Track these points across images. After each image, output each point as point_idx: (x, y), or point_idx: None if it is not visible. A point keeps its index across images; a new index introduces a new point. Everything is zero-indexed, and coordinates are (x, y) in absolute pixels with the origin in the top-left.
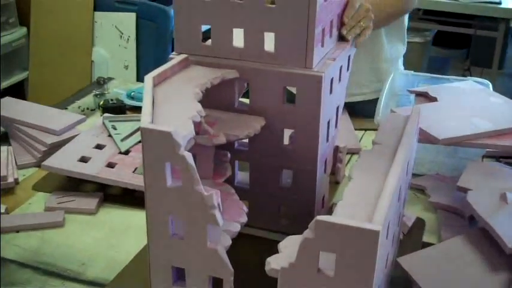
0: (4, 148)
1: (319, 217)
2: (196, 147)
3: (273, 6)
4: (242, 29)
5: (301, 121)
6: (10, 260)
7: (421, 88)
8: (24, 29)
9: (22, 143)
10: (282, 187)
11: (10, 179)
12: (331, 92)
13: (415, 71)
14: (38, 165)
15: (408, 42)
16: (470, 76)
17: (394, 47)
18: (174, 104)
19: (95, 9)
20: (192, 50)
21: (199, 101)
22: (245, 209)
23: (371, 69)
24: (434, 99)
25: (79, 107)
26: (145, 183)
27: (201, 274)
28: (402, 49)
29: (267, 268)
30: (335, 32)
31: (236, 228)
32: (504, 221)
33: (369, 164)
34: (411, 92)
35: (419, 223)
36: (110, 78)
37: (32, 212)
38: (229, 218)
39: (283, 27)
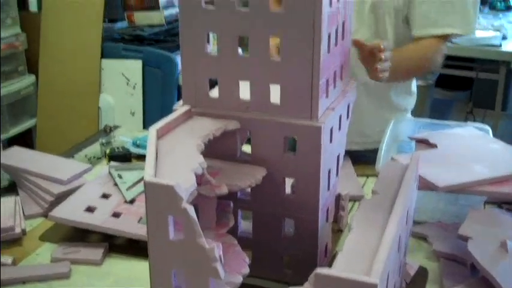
0: (12, 198)
1: (319, 270)
2: (199, 198)
3: (278, 59)
4: (248, 82)
5: (302, 170)
6: None
7: (421, 135)
8: (32, 77)
9: (30, 193)
10: (284, 236)
11: (17, 230)
12: (331, 141)
13: (418, 115)
14: (45, 215)
15: None
16: (474, 118)
17: (401, 97)
18: (177, 156)
19: (102, 56)
20: (199, 102)
21: (202, 152)
22: (247, 260)
23: (376, 119)
24: (434, 146)
25: (86, 156)
26: (149, 235)
27: None
28: (411, 100)
29: None
30: (339, 82)
31: (238, 280)
32: (505, 270)
33: (368, 215)
34: (412, 139)
35: (422, 272)
36: (116, 127)
37: (39, 262)
38: (232, 269)
39: (289, 79)
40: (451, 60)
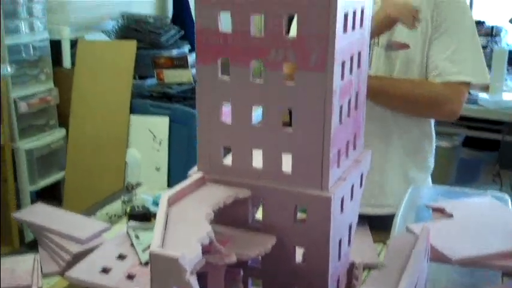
0: (31, 256)
1: None
2: (208, 266)
3: (290, 128)
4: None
5: (311, 240)
6: None
7: (438, 204)
8: (63, 131)
9: (49, 251)
10: None
11: None
12: (342, 211)
13: (444, 175)
14: (62, 273)
15: (436, 146)
16: (500, 181)
17: (419, 168)
18: (186, 225)
19: (131, 112)
20: (213, 169)
21: (211, 220)
22: None
23: (396, 182)
24: (450, 215)
25: (107, 214)
26: None
27: None
28: (430, 159)
29: None
30: (352, 152)
31: None
32: None
33: None
34: (428, 207)
35: None
36: (139, 184)
37: None
38: None
39: (300, 149)
40: (478, 122)
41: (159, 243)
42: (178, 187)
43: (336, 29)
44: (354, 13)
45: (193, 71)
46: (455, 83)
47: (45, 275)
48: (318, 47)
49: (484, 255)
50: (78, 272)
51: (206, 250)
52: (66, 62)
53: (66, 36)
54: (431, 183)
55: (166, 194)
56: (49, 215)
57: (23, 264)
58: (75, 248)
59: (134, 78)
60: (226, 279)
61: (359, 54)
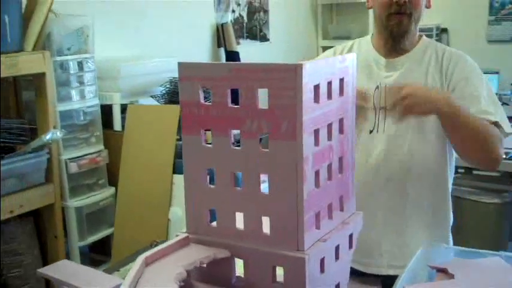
0: None
1: None
2: None
3: (267, 193)
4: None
5: None
6: None
7: (441, 264)
8: (112, 189)
9: None
10: None
11: None
12: (322, 271)
13: (494, 233)
14: None
15: (485, 203)
16: None
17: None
18: (155, 284)
19: (174, 171)
20: (199, 230)
21: (183, 279)
22: None
23: (413, 241)
24: (452, 276)
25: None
26: None
27: None
28: (449, 215)
29: None
30: (337, 214)
31: None
32: None
33: None
34: (431, 267)
35: None
36: (163, 241)
37: None
38: None
39: (276, 212)
40: None
41: None
42: (158, 247)
43: (304, 100)
44: (330, 83)
45: None
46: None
47: None
48: (287, 117)
49: None
50: None
51: None
52: (117, 125)
53: (116, 101)
54: (451, 240)
55: (143, 255)
56: (71, 271)
57: None
58: None
59: (178, 140)
60: None
61: (340, 121)
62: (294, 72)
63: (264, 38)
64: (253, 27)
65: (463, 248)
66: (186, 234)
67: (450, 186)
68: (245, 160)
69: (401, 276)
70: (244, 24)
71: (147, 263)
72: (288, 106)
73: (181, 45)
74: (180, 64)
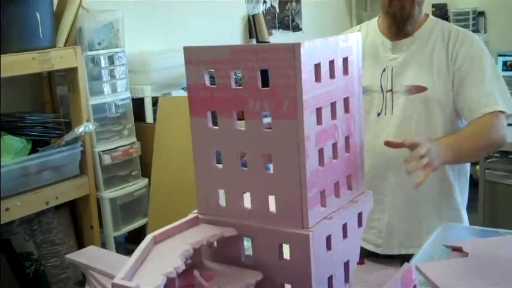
0: None
1: None
2: None
3: (271, 172)
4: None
5: (296, 277)
6: None
7: (456, 243)
8: (145, 180)
9: (92, 287)
10: None
11: None
12: (329, 248)
13: None
14: None
15: (508, 185)
16: None
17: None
18: (160, 261)
19: None
20: (210, 210)
21: (189, 256)
22: None
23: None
24: (466, 254)
25: None
26: None
27: None
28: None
29: None
30: (345, 192)
31: None
32: None
33: None
34: (447, 246)
35: None
36: None
37: None
38: None
39: (281, 191)
40: None
41: (123, 276)
42: (168, 227)
43: (303, 79)
44: (332, 62)
45: None
46: (494, 112)
47: None
48: (288, 97)
49: None
50: None
51: (190, 283)
52: (149, 117)
53: (147, 94)
54: (467, 220)
55: (151, 234)
56: (97, 256)
57: None
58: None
59: None
60: None
61: (346, 100)
62: (292, 51)
63: (296, 28)
64: (286, 17)
65: (481, 228)
66: (196, 214)
67: (465, 166)
68: (249, 140)
69: (416, 254)
70: (276, 15)
71: (156, 241)
72: (288, 85)
73: (213, 36)
74: (185, 48)
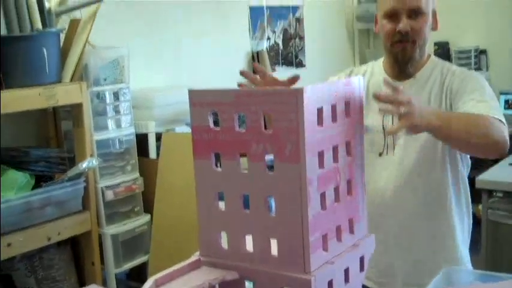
0: None
1: None
2: None
3: (273, 214)
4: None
5: None
6: None
7: (458, 287)
8: (148, 216)
9: None
10: None
11: None
12: None
13: None
14: None
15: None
16: None
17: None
18: None
19: None
20: (213, 253)
21: None
22: None
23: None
24: None
25: None
26: None
27: None
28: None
29: None
30: (347, 236)
31: None
32: None
33: None
34: None
35: None
36: None
37: None
38: None
39: (283, 235)
40: None
41: None
42: (170, 269)
43: (306, 123)
44: (334, 106)
45: None
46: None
47: None
48: (291, 140)
49: None
50: None
51: None
52: (152, 153)
53: (151, 130)
54: (469, 261)
55: (153, 277)
56: None
57: None
58: None
59: None
60: None
61: (347, 143)
62: (295, 96)
63: (300, 64)
64: (289, 54)
65: (483, 272)
66: (197, 257)
67: (464, 208)
68: (252, 183)
69: None
70: (280, 51)
71: (158, 284)
72: (291, 129)
73: (217, 73)
74: (189, 91)
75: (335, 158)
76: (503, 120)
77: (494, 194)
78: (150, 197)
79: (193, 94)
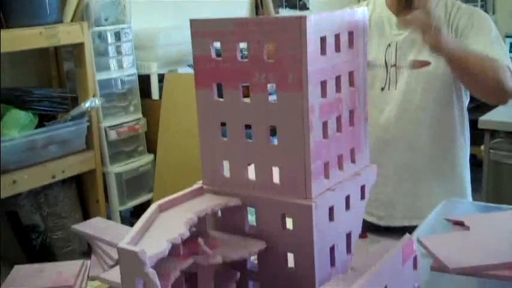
0: (80, 262)
1: None
2: (197, 266)
3: (276, 144)
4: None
5: (298, 246)
6: None
7: (458, 217)
8: (151, 156)
9: (98, 257)
10: None
11: None
12: (332, 219)
13: None
14: None
15: None
16: None
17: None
18: (165, 228)
19: None
20: (215, 182)
21: (193, 224)
22: None
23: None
24: (467, 229)
25: None
26: None
27: None
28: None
29: None
30: (348, 165)
31: None
32: None
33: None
34: (448, 220)
35: None
36: None
37: None
38: None
39: (285, 162)
40: None
41: (128, 241)
42: (172, 196)
43: (309, 52)
44: (337, 36)
45: None
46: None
47: (91, 278)
48: (293, 69)
49: (484, 265)
50: (111, 275)
51: (195, 251)
52: (154, 94)
53: (154, 70)
54: (470, 196)
55: (157, 202)
56: (103, 227)
57: (71, 268)
58: (117, 255)
59: None
60: (223, 279)
61: (350, 74)
62: (298, 24)
63: (303, 7)
64: None
65: (484, 203)
66: (200, 185)
67: (467, 141)
68: (255, 112)
69: (419, 227)
70: None
71: (161, 209)
72: (293, 58)
73: (219, 14)
74: (191, 21)
75: (338, 88)
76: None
77: (497, 134)
78: (153, 138)
79: (194, 24)
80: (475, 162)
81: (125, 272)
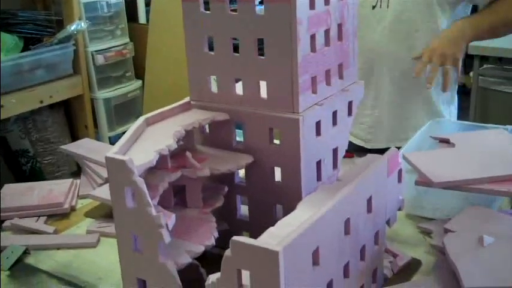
0: (69, 180)
1: (234, 238)
2: (186, 179)
3: (263, 57)
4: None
5: (285, 160)
6: (43, 270)
7: (443, 135)
8: (139, 82)
9: (88, 177)
10: (276, 221)
11: (66, 206)
12: (318, 134)
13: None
14: None
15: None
16: None
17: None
18: (153, 140)
19: None
20: (202, 97)
21: (181, 137)
22: (215, 234)
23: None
24: (453, 146)
25: None
26: (112, 204)
27: (156, 286)
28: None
29: (206, 283)
30: (336, 81)
31: (199, 249)
32: (471, 261)
33: (318, 197)
34: (434, 138)
35: (415, 264)
36: None
37: (77, 234)
38: (197, 241)
39: (273, 76)
40: None
41: (116, 151)
42: (160, 110)
43: None
44: None
45: None
46: None
47: (81, 197)
48: None
49: (466, 179)
50: (100, 193)
51: (182, 165)
52: (142, 18)
53: None
54: (456, 117)
55: (144, 116)
56: (92, 147)
57: (61, 186)
58: (106, 173)
59: None
60: (211, 193)
61: None
62: None
63: None
64: None
65: (470, 123)
66: (188, 100)
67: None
68: (242, 25)
69: (404, 146)
70: None
71: (149, 123)
72: None
73: None
74: None
75: (326, 0)
76: None
77: (487, 61)
78: (141, 63)
79: None
80: (464, 91)
81: (113, 183)
